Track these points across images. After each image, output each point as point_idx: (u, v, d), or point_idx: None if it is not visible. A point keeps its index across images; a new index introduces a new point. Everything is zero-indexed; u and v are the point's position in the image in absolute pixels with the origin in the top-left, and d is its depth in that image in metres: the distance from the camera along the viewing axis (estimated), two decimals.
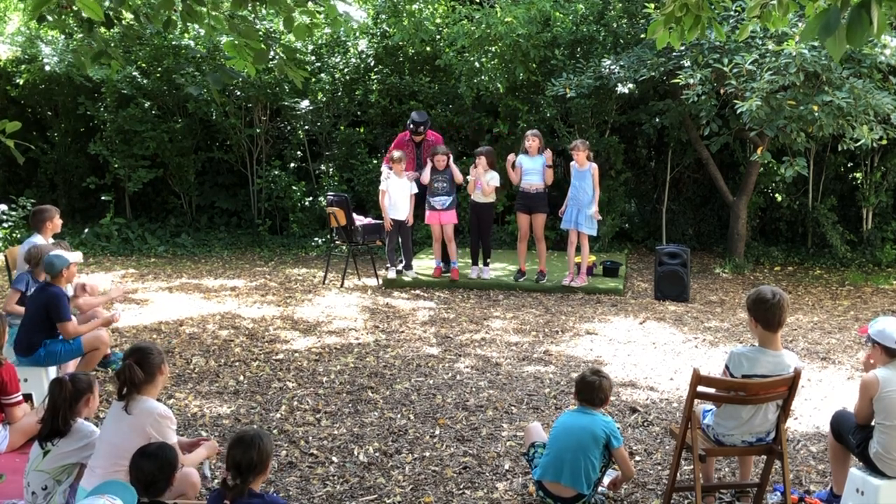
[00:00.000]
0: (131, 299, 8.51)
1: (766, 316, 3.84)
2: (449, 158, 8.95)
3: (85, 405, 3.82)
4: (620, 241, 11.73)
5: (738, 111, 8.47)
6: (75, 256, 5.64)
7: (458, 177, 8.99)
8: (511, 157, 8.94)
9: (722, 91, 9.07)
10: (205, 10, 4.48)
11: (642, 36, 10.29)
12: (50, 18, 4.71)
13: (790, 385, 3.83)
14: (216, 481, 4.24)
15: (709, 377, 3.89)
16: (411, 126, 9.31)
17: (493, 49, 10.73)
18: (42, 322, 5.38)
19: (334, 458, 4.67)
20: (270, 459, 3.35)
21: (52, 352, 5.42)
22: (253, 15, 4.99)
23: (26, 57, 12.48)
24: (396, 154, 9.01)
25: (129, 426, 3.60)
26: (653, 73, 9.49)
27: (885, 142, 9.18)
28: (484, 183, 8.79)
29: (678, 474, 4.15)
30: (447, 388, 5.84)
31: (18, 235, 11.06)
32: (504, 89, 11.20)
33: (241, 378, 6.06)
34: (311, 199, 12.09)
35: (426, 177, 8.96)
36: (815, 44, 8.05)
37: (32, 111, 13.18)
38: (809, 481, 4.47)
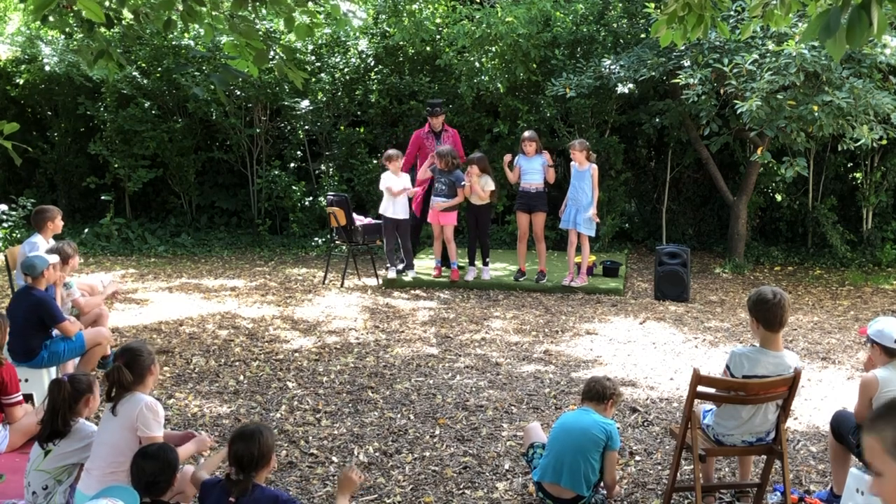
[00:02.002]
0: (131, 299, 8.52)
1: (768, 316, 3.83)
2: (449, 163, 8.92)
3: (85, 405, 3.81)
4: (620, 241, 11.74)
5: (738, 111, 8.48)
6: (54, 258, 5.59)
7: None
8: (507, 157, 8.97)
9: (722, 91, 9.07)
10: (204, 10, 4.48)
11: (642, 36, 10.30)
12: (52, 19, 4.70)
13: (790, 385, 3.83)
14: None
15: (709, 377, 3.89)
16: (428, 108, 9.33)
17: (494, 49, 10.73)
18: (35, 326, 5.29)
19: (334, 458, 4.67)
20: (273, 453, 3.33)
21: (55, 352, 5.39)
22: (253, 15, 4.99)
23: (26, 57, 12.49)
24: (391, 151, 9.06)
25: (118, 424, 3.60)
26: (653, 73, 9.49)
27: (885, 142, 9.19)
28: (479, 189, 8.81)
29: (678, 474, 4.15)
30: (447, 388, 5.84)
31: (18, 235, 11.07)
32: (504, 89, 11.20)
33: (241, 378, 6.06)
34: (311, 199, 12.10)
35: (423, 173, 9.06)
36: (815, 44, 8.05)
37: (32, 111, 13.18)
38: (809, 481, 4.47)
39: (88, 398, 3.82)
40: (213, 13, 4.60)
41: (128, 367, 3.66)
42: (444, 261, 9.34)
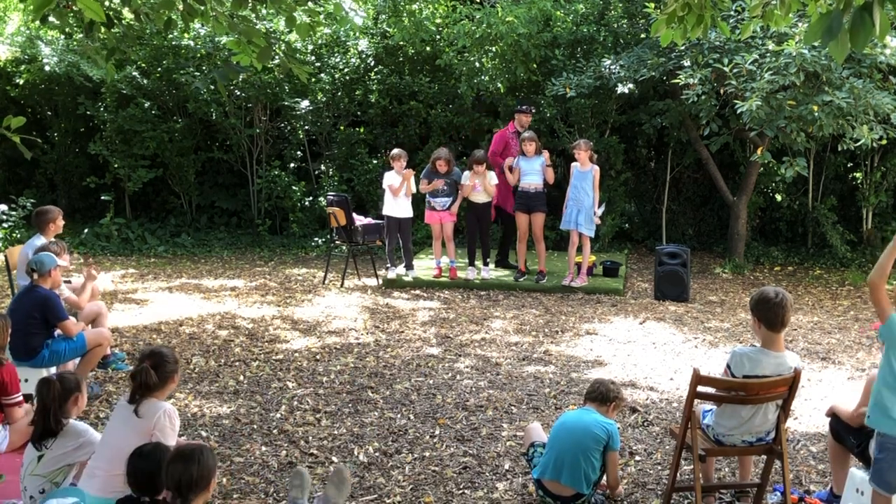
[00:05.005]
0: (131, 299, 8.51)
1: (769, 316, 3.83)
2: (451, 164, 8.96)
3: (74, 404, 3.81)
4: (620, 241, 11.73)
5: (738, 111, 8.48)
6: (63, 261, 5.57)
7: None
8: (508, 160, 8.99)
9: (722, 91, 9.07)
10: (205, 8, 4.48)
11: (643, 36, 10.30)
12: (54, 20, 4.69)
13: (790, 385, 3.83)
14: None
15: (709, 377, 3.89)
16: (521, 107, 9.44)
17: (494, 49, 10.72)
18: (38, 324, 5.29)
19: (334, 458, 4.67)
20: (214, 476, 3.10)
21: (56, 351, 5.38)
22: (253, 14, 4.99)
23: (26, 57, 12.48)
24: (396, 151, 9.09)
25: (134, 428, 3.58)
26: (653, 73, 9.49)
27: (885, 142, 9.18)
28: (487, 184, 8.84)
29: (678, 474, 4.15)
30: (447, 388, 5.84)
31: (18, 235, 11.06)
32: (504, 89, 11.19)
33: (241, 378, 6.06)
34: (311, 199, 12.09)
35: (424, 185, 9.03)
36: (816, 43, 8.05)
37: (32, 111, 13.18)
38: (809, 481, 4.47)
39: (77, 397, 3.82)
40: (214, 13, 4.60)
41: (154, 370, 3.67)
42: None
